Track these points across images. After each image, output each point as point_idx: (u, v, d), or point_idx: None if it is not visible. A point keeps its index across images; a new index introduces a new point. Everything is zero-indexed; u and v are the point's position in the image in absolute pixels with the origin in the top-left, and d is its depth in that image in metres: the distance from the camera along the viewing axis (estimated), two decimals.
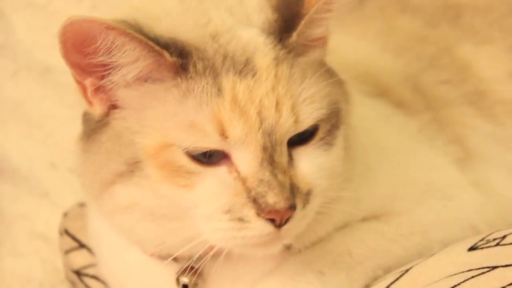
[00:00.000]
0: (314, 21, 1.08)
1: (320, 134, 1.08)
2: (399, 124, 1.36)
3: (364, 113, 1.23)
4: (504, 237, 1.12)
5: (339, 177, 1.12)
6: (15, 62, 1.82)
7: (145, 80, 1.06)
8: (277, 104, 1.03)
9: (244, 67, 1.05)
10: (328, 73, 1.12)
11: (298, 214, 1.05)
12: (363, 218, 1.24)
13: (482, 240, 1.14)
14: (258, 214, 1.03)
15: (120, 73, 1.06)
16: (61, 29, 1.01)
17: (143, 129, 1.05)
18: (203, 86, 1.03)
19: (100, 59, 1.05)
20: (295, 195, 1.04)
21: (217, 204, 1.04)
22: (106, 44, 1.03)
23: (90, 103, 1.09)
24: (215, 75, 1.04)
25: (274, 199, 1.02)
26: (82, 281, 1.50)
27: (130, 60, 1.04)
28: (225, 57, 1.05)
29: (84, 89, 1.09)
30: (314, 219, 1.10)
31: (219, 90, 1.03)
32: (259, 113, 1.03)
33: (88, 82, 1.08)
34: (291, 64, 1.07)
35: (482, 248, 1.12)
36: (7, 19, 1.83)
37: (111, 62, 1.05)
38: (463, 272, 1.07)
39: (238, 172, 1.04)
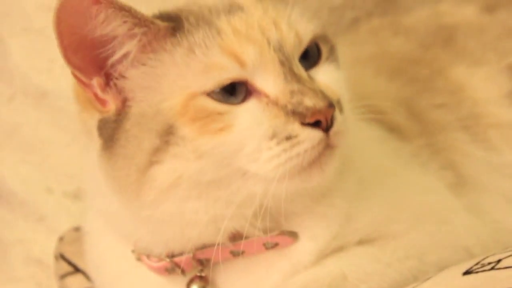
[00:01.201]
0: None
1: (324, 53, 1.17)
2: (393, 148, 1.36)
3: (358, 135, 1.24)
4: (499, 261, 1.12)
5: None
6: (11, 87, 1.82)
7: (148, 53, 1.11)
8: (274, 24, 1.12)
9: (231, 8, 1.14)
10: None
11: (339, 116, 1.10)
12: (359, 242, 1.24)
13: (477, 264, 1.14)
14: (303, 123, 1.08)
15: (122, 51, 1.10)
16: (55, 16, 1.05)
17: (164, 96, 1.09)
18: (203, 34, 1.11)
19: (98, 34, 1.08)
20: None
21: (260, 133, 1.08)
22: (99, 19, 1.07)
23: (103, 103, 1.13)
24: (209, 22, 1.12)
25: (312, 101, 1.08)
26: None
27: (126, 30, 1.09)
28: (209, 8, 1.14)
29: (93, 92, 1.13)
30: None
31: (218, 30, 1.11)
32: (263, 33, 1.11)
33: (95, 81, 1.12)
34: None
35: (477, 272, 1.12)
36: (4, 44, 1.83)
37: (108, 35, 1.09)
38: None
39: (267, 96, 1.10)
